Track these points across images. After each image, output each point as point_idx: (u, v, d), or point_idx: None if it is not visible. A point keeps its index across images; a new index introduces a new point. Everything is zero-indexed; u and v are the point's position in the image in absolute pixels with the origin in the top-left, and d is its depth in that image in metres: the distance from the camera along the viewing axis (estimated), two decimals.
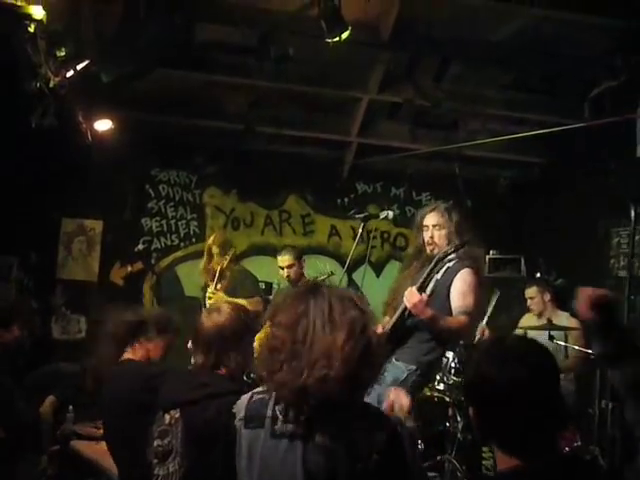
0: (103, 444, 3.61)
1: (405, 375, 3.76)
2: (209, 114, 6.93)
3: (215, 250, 5.72)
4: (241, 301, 5.47)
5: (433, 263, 3.83)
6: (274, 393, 1.90)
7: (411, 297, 3.68)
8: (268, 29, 5.34)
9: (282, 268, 5.71)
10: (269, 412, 1.89)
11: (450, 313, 3.83)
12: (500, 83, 6.57)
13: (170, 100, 6.65)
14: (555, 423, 1.65)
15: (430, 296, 3.82)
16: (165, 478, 2.47)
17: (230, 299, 5.53)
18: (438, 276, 3.89)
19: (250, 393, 2.01)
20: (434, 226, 3.97)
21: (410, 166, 7.75)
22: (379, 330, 3.93)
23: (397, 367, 3.80)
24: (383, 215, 3.99)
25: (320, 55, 5.64)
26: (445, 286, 3.87)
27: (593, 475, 1.69)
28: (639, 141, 5.96)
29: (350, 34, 4.66)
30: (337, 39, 4.66)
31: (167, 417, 2.52)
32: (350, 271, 6.83)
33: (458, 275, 3.84)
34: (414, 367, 3.79)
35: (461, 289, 3.82)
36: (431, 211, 4.06)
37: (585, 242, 6.70)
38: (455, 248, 3.79)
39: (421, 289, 3.78)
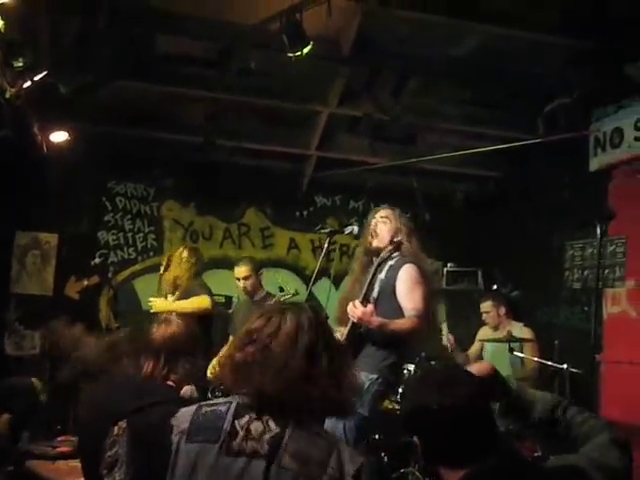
0: (59, 464, 3.53)
1: (367, 385, 3.75)
2: (168, 126, 6.87)
3: (178, 260, 5.63)
4: (183, 303, 5.44)
5: (375, 265, 3.88)
6: (234, 405, 1.76)
7: (354, 312, 3.71)
8: (230, 42, 5.33)
9: (239, 279, 5.68)
10: (227, 426, 1.72)
11: (399, 310, 3.84)
12: (457, 98, 6.67)
13: (128, 112, 6.58)
14: (491, 434, 1.74)
15: (377, 299, 3.86)
16: None
17: (172, 304, 5.48)
18: (382, 276, 3.91)
19: (197, 405, 1.85)
20: (381, 217, 4.01)
21: (369, 179, 7.81)
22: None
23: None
24: (348, 230, 3.99)
25: (280, 68, 5.65)
26: (390, 284, 3.88)
27: (535, 471, 1.76)
28: (592, 156, 6.12)
29: (312, 49, 4.70)
30: (299, 54, 4.68)
31: (115, 428, 2.51)
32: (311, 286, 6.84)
33: (401, 271, 3.86)
34: (375, 376, 3.79)
35: (406, 286, 3.84)
36: (383, 208, 4.11)
37: (540, 255, 6.83)
38: (395, 246, 3.85)
39: (365, 299, 3.80)
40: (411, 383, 1.90)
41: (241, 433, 1.69)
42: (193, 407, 1.83)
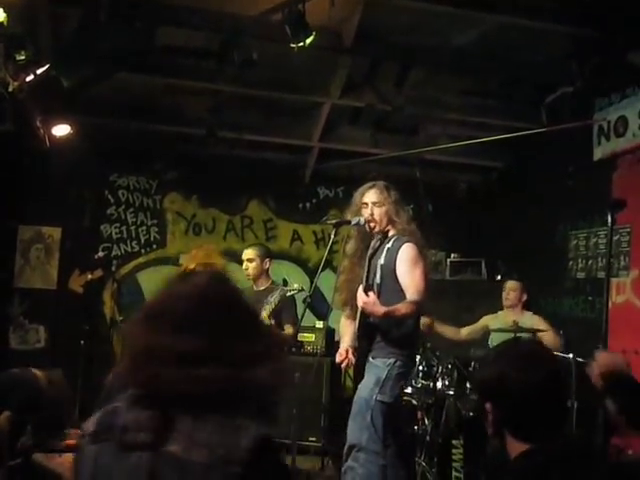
0: (66, 457, 3.54)
1: (387, 371, 3.77)
2: (170, 119, 6.86)
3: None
4: None
5: (371, 250, 3.93)
6: (127, 398, 1.59)
7: (360, 302, 3.75)
8: (231, 33, 5.31)
9: (244, 262, 5.55)
10: (121, 421, 1.56)
11: (402, 292, 3.85)
12: (460, 88, 6.65)
13: (130, 105, 6.58)
14: (561, 415, 1.90)
15: (380, 285, 3.88)
16: None
17: None
18: (382, 261, 3.92)
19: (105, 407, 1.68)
20: (374, 203, 4.01)
21: (371, 171, 7.75)
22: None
23: (376, 366, 3.82)
24: (355, 221, 3.98)
25: (282, 60, 5.63)
26: (390, 268, 3.90)
27: (589, 455, 1.85)
28: (596, 145, 6.10)
29: (314, 39, 4.68)
30: (302, 44, 4.66)
31: None
32: (313, 276, 6.83)
33: (400, 253, 3.88)
34: (392, 360, 3.80)
35: (406, 266, 3.85)
36: (370, 188, 4.09)
37: (544, 245, 6.82)
38: (392, 228, 3.94)
39: (367, 284, 3.80)
40: (498, 351, 2.04)
41: (132, 426, 1.54)
42: (101, 410, 1.65)
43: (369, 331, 3.87)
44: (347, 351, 4.00)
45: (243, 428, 1.48)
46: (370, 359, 3.85)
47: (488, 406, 1.85)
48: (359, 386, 3.84)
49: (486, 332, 6.00)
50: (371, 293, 3.74)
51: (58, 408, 4.98)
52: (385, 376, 3.74)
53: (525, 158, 7.17)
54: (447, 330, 5.83)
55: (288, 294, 4.76)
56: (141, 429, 1.52)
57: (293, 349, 4.56)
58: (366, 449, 3.70)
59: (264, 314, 4.62)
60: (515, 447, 1.81)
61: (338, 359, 4.06)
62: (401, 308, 3.76)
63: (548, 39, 5.67)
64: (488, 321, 6.01)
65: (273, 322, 4.65)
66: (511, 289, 5.96)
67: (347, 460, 3.78)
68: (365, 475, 3.69)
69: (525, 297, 5.91)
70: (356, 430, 3.76)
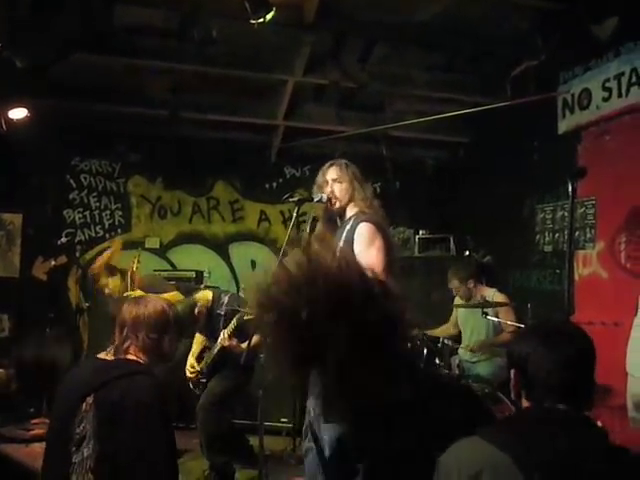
0: (34, 446, 3.47)
1: None
2: (131, 100, 6.72)
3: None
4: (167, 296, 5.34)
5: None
6: None
7: None
8: (190, 11, 5.19)
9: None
10: None
11: None
12: (425, 64, 6.61)
13: (90, 86, 6.42)
14: (584, 394, 1.84)
15: None
16: (80, 464, 2.48)
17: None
18: (340, 243, 3.88)
19: None
20: (334, 180, 3.96)
21: (338, 149, 7.72)
22: None
23: None
24: (317, 198, 3.92)
25: (244, 37, 5.52)
26: (348, 249, 3.85)
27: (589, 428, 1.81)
28: (560, 118, 6.11)
29: (274, 15, 4.58)
30: (262, 20, 4.56)
31: (83, 405, 2.55)
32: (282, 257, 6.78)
33: (356, 232, 3.84)
34: None
35: (362, 246, 3.78)
36: (330, 166, 4.05)
37: (511, 219, 6.85)
38: (353, 205, 3.86)
39: None
40: (531, 326, 2.21)
41: None
42: None
43: None
44: None
45: None
46: None
47: (513, 372, 1.89)
48: None
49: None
50: None
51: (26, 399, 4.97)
52: None
53: (491, 133, 7.16)
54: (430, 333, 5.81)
55: (245, 317, 4.63)
56: None
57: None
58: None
59: (225, 334, 4.59)
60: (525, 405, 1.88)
61: None
62: None
63: (512, 13, 5.64)
64: (458, 299, 6.03)
65: (234, 342, 4.60)
66: (454, 288, 5.97)
67: (306, 439, 3.76)
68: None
69: (472, 282, 5.89)
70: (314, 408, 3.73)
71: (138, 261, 5.32)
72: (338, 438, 3.13)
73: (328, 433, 3.22)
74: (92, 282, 5.65)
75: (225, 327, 4.63)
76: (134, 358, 2.73)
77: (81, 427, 2.52)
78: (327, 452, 3.23)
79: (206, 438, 4.63)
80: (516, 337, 1.95)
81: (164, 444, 2.54)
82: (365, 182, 4.03)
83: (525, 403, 1.87)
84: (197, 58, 5.91)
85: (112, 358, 2.74)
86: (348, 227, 3.89)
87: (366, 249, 3.77)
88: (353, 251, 3.83)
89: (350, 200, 3.94)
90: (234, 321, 4.59)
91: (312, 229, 4.00)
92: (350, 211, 3.96)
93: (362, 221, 3.85)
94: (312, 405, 3.55)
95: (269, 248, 7.92)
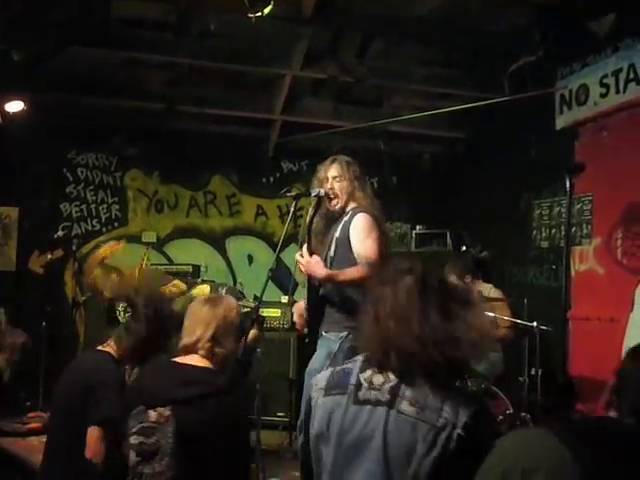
0: (31, 440, 3.48)
1: (339, 344, 3.73)
2: (128, 93, 6.69)
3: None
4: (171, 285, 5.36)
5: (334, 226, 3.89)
6: (359, 362, 1.97)
7: (301, 264, 3.71)
8: (188, 4, 5.18)
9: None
10: (353, 380, 1.94)
11: (356, 262, 3.78)
12: (423, 59, 6.59)
13: (87, 79, 6.39)
14: None
15: (334, 257, 3.82)
16: (151, 477, 2.35)
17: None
18: (337, 234, 3.88)
19: (332, 368, 2.10)
20: (334, 177, 3.96)
21: (335, 143, 7.72)
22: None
23: (328, 339, 3.76)
24: (315, 193, 3.91)
25: (242, 31, 5.52)
26: (345, 239, 3.85)
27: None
28: (558, 114, 6.11)
29: (272, 9, 4.57)
30: (259, 14, 4.55)
31: (153, 414, 2.38)
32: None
33: (353, 223, 3.83)
34: (345, 333, 3.75)
35: (359, 235, 3.79)
36: (331, 163, 4.04)
37: (508, 215, 6.85)
38: (352, 203, 3.88)
39: (312, 252, 3.75)
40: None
41: (365, 385, 1.91)
42: (329, 370, 2.09)
43: (319, 307, 3.83)
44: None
45: (462, 398, 1.81)
46: (323, 333, 3.80)
47: (612, 383, 1.76)
48: (311, 359, 3.81)
49: None
50: (315, 255, 3.69)
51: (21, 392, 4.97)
52: (337, 349, 3.70)
53: (488, 128, 7.16)
54: None
55: (243, 310, 4.62)
56: (373, 388, 1.88)
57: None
58: None
59: None
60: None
61: (296, 317, 4.00)
62: (346, 272, 3.68)
63: (510, 8, 5.63)
64: None
65: None
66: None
67: (301, 435, 3.76)
68: None
69: (469, 277, 5.89)
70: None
71: (147, 258, 5.35)
72: None
73: None
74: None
75: None
76: (202, 365, 2.57)
77: (152, 439, 2.36)
78: None
79: None
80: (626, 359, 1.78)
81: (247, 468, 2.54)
82: (365, 180, 4.04)
83: (612, 413, 1.74)
84: (195, 52, 5.91)
85: (183, 362, 2.57)
86: (346, 218, 3.89)
87: (364, 239, 3.78)
88: (349, 242, 3.84)
89: (350, 199, 3.94)
90: None
91: (310, 224, 4.00)
92: (349, 207, 3.96)
93: (360, 212, 3.85)
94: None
95: (266, 242, 7.92)
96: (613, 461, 1.52)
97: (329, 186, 3.95)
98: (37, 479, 3.12)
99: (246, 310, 4.26)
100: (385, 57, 6.44)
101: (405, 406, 1.82)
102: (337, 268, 3.76)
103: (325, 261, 3.82)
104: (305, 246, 3.80)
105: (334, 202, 3.94)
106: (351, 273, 3.68)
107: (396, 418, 1.82)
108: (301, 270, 3.77)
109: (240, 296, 4.76)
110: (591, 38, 5.53)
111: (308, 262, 3.67)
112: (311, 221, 3.98)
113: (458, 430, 1.76)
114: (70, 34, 5.24)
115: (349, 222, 3.85)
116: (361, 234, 3.78)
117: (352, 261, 3.77)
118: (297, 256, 3.74)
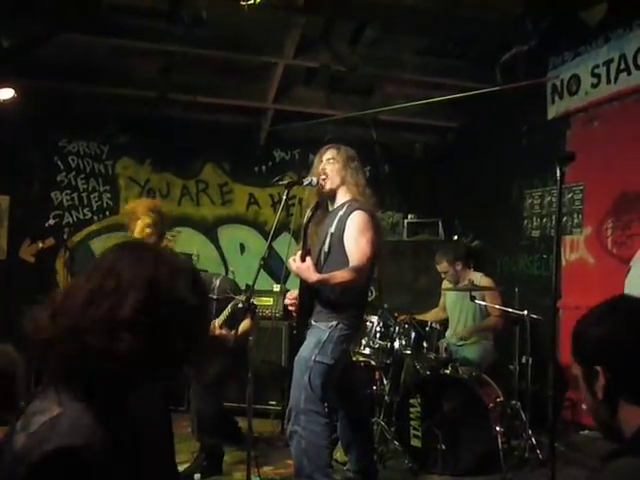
0: None
1: (328, 333, 3.75)
2: (119, 81, 6.65)
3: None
4: None
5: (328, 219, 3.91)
6: None
7: (293, 267, 3.73)
8: None
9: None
10: None
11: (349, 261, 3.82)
12: (415, 48, 6.58)
13: (78, 67, 6.35)
14: None
15: (328, 253, 3.85)
16: None
17: None
18: (332, 229, 3.89)
19: None
20: (327, 160, 3.98)
21: (327, 132, 7.70)
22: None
23: (318, 328, 3.79)
24: (307, 181, 3.91)
25: (234, 19, 5.47)
26: (339, 235, 3.86)
27: None
28: (549, 104, 6.12)
29: None
30: (252, 2, 4.54)
31: None
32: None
33: (349, 220, 3.84)
34: (335, 322, 3.78)
35: (353, 234, 3.81)
36: (327, 149, 4.07)
37: (500, 204, 6.88)
38: (344, 189, 3.90)
39: (306, 254, 3.76)
40: (604, 309, 1.62)
41: None
42: None
43: (309, 298, 3.85)
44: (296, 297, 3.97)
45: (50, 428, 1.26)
46: (313, 322, 3.83)
47: (598, 369, 1.57)
48: (301, 348, 3.83)
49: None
50: (308, 259, 3.70)
51: (9, 382, 4.89)
52: (326, 338, 3.73)
53: (480, 117, 7.17)
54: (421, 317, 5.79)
55: (239, 305, 4.63)
56: None
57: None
58: (305, 410, 3.71)
59: (216, 323, 4.57)
60: (634, 415, 1.53)
61: (288, 301, 4.02)
62: (337, 276, 3.70)
63: None
64: (446, 283, 6.06)
65: (224, 331, 4.58)
66: (442, 271, 5.96)
67: (289, 423, 3.79)
68: (309, 436, 3.70)
69: (460, 265, 5.90)
70: (295, 391, 3.77)
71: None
72: None
73: None
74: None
75: (218, 311, 4.61)
76: None
77: None
78: None
79: (198, 420, 4.65)
80: (587, 325, 1.61)
81: None
82: (360, 169, 4.03)
83: (631, 410, 1.54)
84: (186, 39, 5.85)
85: None
86: (341, 213, 3.89)
87: (358, 237, 3.78)
88: (342, 237, 3.84)
89: (342, 183, 3.93)
90: (227, 310, 4.57)
91: (307, 226, 4.00)
92: (342, 197, 3.96)
93: (356, 209, 3.85)
94: None
95: (258, 231, 7.91)
96: None
97: (322, 167, 3.96)
98: None
99: (240, 306, 4.27)
100: (378, 46, 6.42)
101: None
102: (330, 265, 3.79)
103: (319, 256, 3.84)
104: (299, 249, 3.81)
105: (324, 183, 3.94)
106: (342, 276, 3.71)
107: None
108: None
109: (234, 286, 4.74)
110: (583, 28, 5.54)
111: (299, 267, 3.70)
112: (307, 223, 3.99)
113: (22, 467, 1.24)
114: (61, 21, 5.20)
115: (345, 218, 3.85)
116: (356, 233, 3.79)
117: (346, 258, 3.78)
118: (290, 261, 3.78)
